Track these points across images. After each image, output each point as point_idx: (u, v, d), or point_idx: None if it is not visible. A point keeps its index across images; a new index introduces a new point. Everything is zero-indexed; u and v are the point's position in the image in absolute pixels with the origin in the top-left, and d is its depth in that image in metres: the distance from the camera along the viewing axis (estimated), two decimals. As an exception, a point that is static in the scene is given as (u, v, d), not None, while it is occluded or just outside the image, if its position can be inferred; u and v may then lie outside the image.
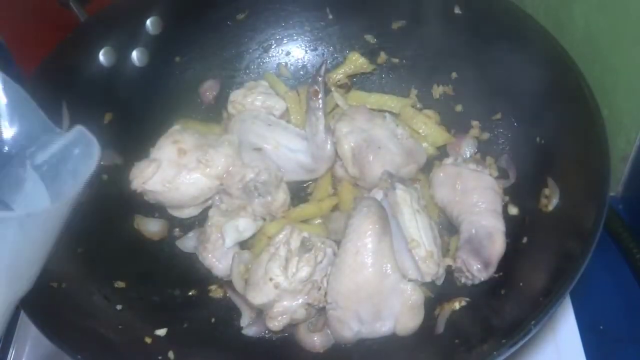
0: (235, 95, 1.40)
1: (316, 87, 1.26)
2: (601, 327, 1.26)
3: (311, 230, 1.18)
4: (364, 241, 1.06)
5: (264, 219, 1.24)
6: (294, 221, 1.23)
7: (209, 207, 1.27)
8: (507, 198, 1.22)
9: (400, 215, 1.12)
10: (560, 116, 1.14)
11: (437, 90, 1.40)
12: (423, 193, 1.22)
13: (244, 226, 1.21)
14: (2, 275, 0.72)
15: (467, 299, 1.11)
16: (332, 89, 1.42)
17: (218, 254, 1.20)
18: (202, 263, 1.21)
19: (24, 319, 1.24)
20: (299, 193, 1.32)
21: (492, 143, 1.31)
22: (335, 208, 1.27)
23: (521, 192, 1.21)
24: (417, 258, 1.09)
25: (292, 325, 1.12)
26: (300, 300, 1.09)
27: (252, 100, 1.38)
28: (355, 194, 1.26)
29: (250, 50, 1.49)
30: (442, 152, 1.34)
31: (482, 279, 1.12)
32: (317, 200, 1.28)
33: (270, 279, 1.08)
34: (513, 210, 1.20)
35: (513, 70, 1.24)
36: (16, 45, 1.57)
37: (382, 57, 1.45)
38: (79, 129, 0.82)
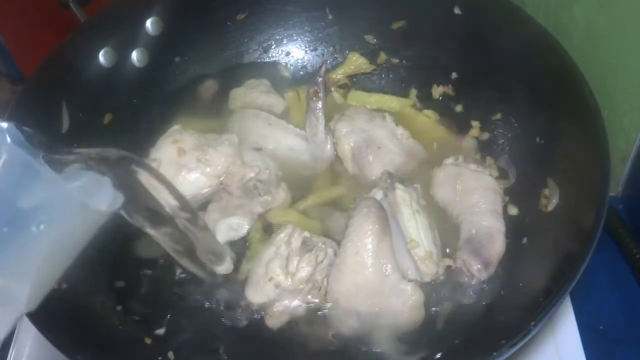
0: (236, 93, 1.40)
1: (316, 88, 1.27)
2: (601, 327, 1.26)
3: (312, 229, 1.18)
4: (364, 241, 1.06)
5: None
6: (296, 209, 1.24)
7: (209, 203, 1.26)
8: (507, 198, 1.21)
9: (400, 215, 1.12)
10: (560, 116, 1.14)
11: (437, 90, 1.40)
12: (423, 193, 1.22)
13: (238, 225, 1.21)
14: (33, 271, 0.69)
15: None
16: (332, 89, 1.42)
17: None
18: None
19: (24, 319, 1.23)
20: (301, 192, 1.31)
21: (492, 143, 1.31)
22: (335, 208, 1.27)
23: (521, 192, 1.21)
24: (416, 258, 1.09)
25: (293, 323, 1.12)
26: (300, 300, 1.09)
27: (253, 99, 1.38)
28: (355, 191, 1.26)
29: (250, 50, 1.49)
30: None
31: (482, 279, 1.12)
32: (317, 190, 1.28)
33: (271, 278, 1.08)
34: (513, 210, 1.20)
35: (513, 70, 1.24)
36: (16, 45, 1.57)
37: (382, 57, 1.45)
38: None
